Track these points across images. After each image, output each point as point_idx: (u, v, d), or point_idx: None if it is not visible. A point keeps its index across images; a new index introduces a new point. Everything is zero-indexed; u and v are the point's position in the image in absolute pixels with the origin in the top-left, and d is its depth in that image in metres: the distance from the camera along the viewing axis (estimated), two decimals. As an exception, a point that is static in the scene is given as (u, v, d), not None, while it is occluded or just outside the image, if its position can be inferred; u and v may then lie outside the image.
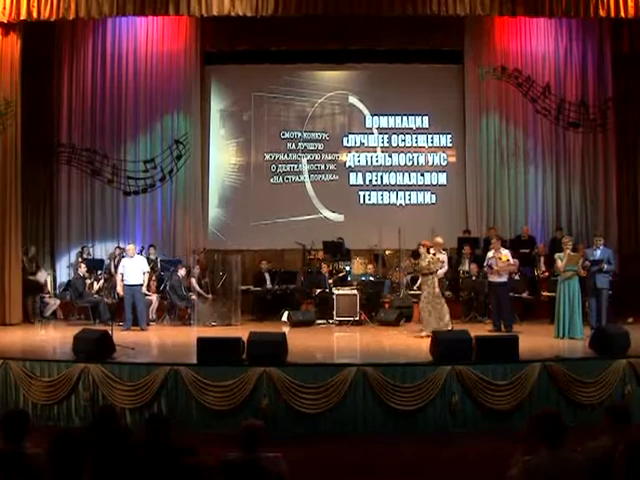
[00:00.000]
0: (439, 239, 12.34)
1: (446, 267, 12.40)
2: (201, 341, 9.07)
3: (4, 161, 13.75)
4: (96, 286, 14.29)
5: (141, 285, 12.99)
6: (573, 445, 4.15)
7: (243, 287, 14.47)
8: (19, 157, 13.98)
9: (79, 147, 15.85)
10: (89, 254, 15.31)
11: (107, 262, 15.03)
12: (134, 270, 12.86)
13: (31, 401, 9.02)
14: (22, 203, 14.21)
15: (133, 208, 16.05)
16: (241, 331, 10.14)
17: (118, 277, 12.87)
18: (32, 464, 4.22)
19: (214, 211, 16.74)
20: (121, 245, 15.50)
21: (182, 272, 14.02)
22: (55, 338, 11.96)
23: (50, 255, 15.98)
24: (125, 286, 12.79)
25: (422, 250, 12.17)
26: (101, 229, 16.00)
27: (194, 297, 13.76)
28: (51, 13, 12.67)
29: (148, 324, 13.11)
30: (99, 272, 14.61)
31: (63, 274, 15.70)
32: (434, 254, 11.93)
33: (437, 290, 11.78)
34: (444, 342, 9.06)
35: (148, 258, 14.47)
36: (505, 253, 11.92)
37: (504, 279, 11.86)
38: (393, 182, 16.51)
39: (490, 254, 12.03)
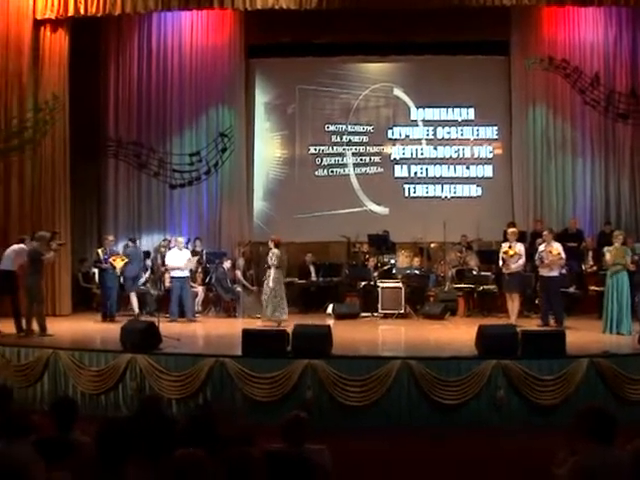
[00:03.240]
0: (513, 229, 12.19)
1: (523, 260, 11.94)
2: (246, 333, 9.12)
3: (53, 155, 14.04)
4: (143, 278, 14.45)
5: (188, 277, 13.14)
6: (622, 443, 4.03)
7: (288, 280, 14.48)
8: (67, 151, 14.25)
9: (126, 141, 16.04)
10: (136, 245, 15.47)
11: (154, 254, 15.19)
12: (179, 262, 12.99)
13: (80, 390, 9.19)
14: (71, 196, 14.49)
15: (179, 201, 16.19)
16: (285, 323, 10.15)
17: (170, 265, 13.08)
18: (80, 452, 4.29)
19: (259, 204, 16.80)
20: (167, 237, 15.65)
21: (227, 264, 14.12)
22: (102, 329, 12.14)
23: (97, 247, 16.22)
24: (172, 278, 12.93)
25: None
26: (147, 222, 16.17)
27: (239, 289, 13.85)
28: (98, 9, 12.88)
29: (194, 316, 13.23)
30: (145, 264, 14.77)
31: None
32: (510, 246, 11.74)
33: None
34: (490, 336, 8.97)
35: (194, 250, 14.56)
36: (556, 246, 11.70)
37: (555, 273, 11.65)
38: (438, 175, 16.37)
39: (541, 247, 11.85)
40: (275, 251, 12.46)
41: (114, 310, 13.08)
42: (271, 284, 12.17)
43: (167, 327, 10.77)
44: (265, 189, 16.84)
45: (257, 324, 11.86)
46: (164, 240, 15.31)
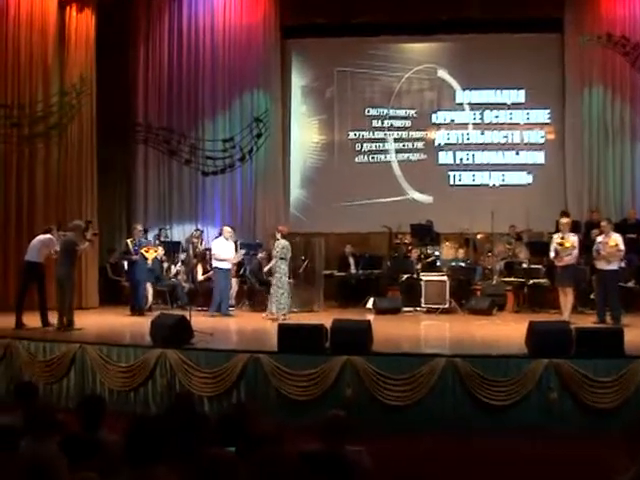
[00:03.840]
0: (566, 219, 12.01)
1: (576, 251, 11.63)
2: (282, 328, 9.10)
3: (80, 140, 14.16)
4: (173, 270, 14.56)
5: (231, 270, 13.30)
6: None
7: (326, 272, 14.52)
8: (94, 136, 14.37)
9: (155, 126, 16.14)
10: (166, 236, 15.56)
11: (185, 245, 15.27)
12: (229, 253, 13.04)
13: (107, 387, 9.26)
14: (98, 185, 14.64)
15: (212, 189, 16.26)
16: (324, 318, 10.15)
17: (220, 257, 13.05)
18: (107, 451, 4.29)
19: (295, 192, 16.82)
20: (199, 227, 15.74)
21: (262, 256, 14.15)
22: (131, 322, 12.24)
23: (126, 238, 16.36)
24: (219, 270, 12.95)
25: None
26: (179, 211, 16.28)
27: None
28: (125, -13, 12.97)
29: (228, 310, 13.27)
30: (177, 255, 14.86)
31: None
32: (562, 237, 11.54)
33: None
34: (541, 333, 8.82)
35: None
36: (615, 238, 11.43)
37: (614, 266, 11.40)
38: (486, 161, 16.21)
39: (599, 238, 11.62)
40: (281, 242, 12.56)
41: (143, 303, 13.18)
42: (275, 277, 12.42)
43: (199, 321, 10.81)
44: (302, 177, 16.84)
45: (274, 319, 11.87)
46: (196, 230, 15.42)
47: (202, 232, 15.48)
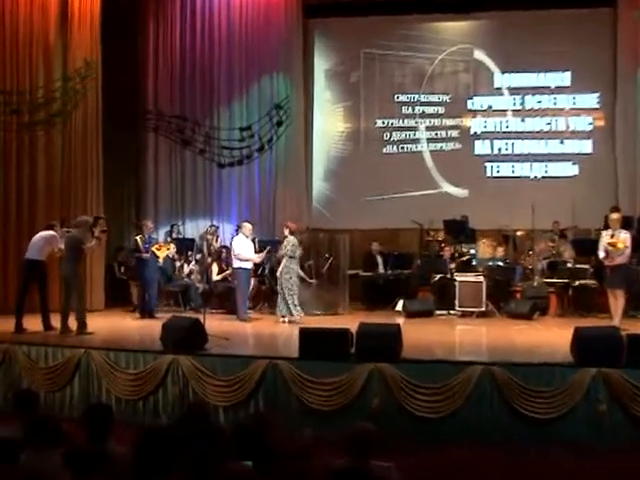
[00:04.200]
0: (616, 215, 11.86)
1: (629, 250, 11.35)
2: (304, 332, 9.08)
3: (85, 129, 14.18)
4: (186, 269, 14.60)
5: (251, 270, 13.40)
6: None
7: (351, 272, 14.50)
8: (100, 125, 14.40)
9: (167, 114, 16.21)
10: (179, 233, 15.63)
11: (199, 242, 15.31)
12: (251, 252, 13.05)
13: (115, 395, 9.28)
14: (105, 177, 14.66)
15: (228, 182, 16.30)
16: (349, 321, 10.13)
17: (243, 256, 12.99)
18: (115, 464, 4.30)
19: (319, 185, 16.83)
20: (214, 223, 15.77)
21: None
22: (140, 326, 12.28)
23: (135, 235, 16.42)
24: (241, 270, 12.95)
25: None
26: (192, 205, 16.36)
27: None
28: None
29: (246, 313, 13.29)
30: (190, 253, 14.89)
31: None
32: (612, 235, 11.39)
33: None
34: (588, 340, 8.71)
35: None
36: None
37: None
38: (527, 151, 16.12)
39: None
40: (290, 239, 12.62)
41: (154, 305, 13.23)
42: (284, 277, 12.47)
43: (214, 325, 10.82)
44: (325, 168, 16.84)
45: (297, 322, 11.87)
46: (210, 226, 15.46)
47: (217, 228, 15.51)
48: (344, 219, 16.12)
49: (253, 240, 13.71)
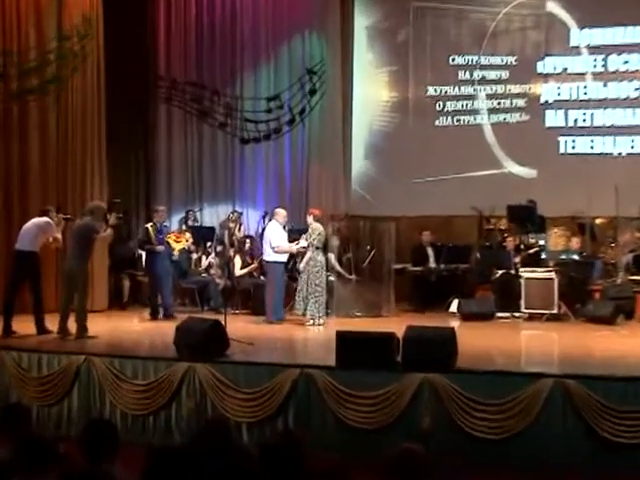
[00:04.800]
0: None
1: None
2: (341, 337, 9.06)
3: (84, 99, 14.16)
4: (205, 262, 14.65)
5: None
6: None
7: (398, 266, 14.49)
8: (103, 93, 14.41)
9: (181, 81, 16.27)
10: (195, 220, 15.68)
11: (219, 231, 15.35)
12: (286, 242, 13.07)
13: (120, 410, 9.32)
14: (109, 155, 14.72)
15: (253, 160, 16.37)
16: (395, 325, 10.10)
17: (283, 249, 13.00)
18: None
19: (359, 164, 16.81)
20: (237, 209, 15.80)
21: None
22: (151, 329, 12.36)
23: (145, 222, 16.51)
24: (276, 265, 12.96)
25: None
26: (211, 188, 16.47)
27: (332, 278, 13.85)
28: None
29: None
30: (209, 244, 14.93)
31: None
32: None
33: None
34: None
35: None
36: None
37: None
38: (609, 123, 15.98)
39: None
40: (316, 226, 12.64)
41: (170, 304, 13.27)
42: (311, 271, 12.53)
43: (237, 328, 10.84)
44: (367, 145, 16.81)
45: (339, 324, 11.88)
46: (233, 213, 15.50)
47: (240, 215, 15.55)
48: (389, 204, 16.08)
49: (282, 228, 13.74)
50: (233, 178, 16.38)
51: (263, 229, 15.15)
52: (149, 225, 13.50)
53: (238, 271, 14.32)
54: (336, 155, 16.39)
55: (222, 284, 14.33)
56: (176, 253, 13.65)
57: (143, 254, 14.11)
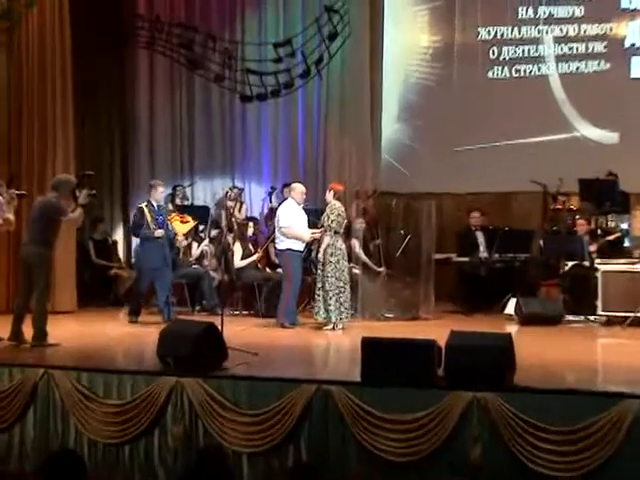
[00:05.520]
0: None
1: None
2: (368, 345, 9.00)
3: (43, 42, 14.11)
4: (196, 250, 14.60)
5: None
6: None
7: (439, 256, 14.49)
8: (68, 36, 14.35)
9: (167, 21, 16.33)
10: (185, 199, 15.67)
11: (215, 212, 15.34)
12: (304, 226, 13.05)
13: (88, 438, 9.30)
14: (75, 115, 14.71)
15: (256, 122, 16.43)
16: (436, 330, 10.09)
17: (293, 231, 12.91)
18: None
19: (391, 128, 16.78)
20: (237, 184, 15.78)
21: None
22: (128, 334, 12.37)
23: (121, 202, 16.52)
24: (291, 253, 12.90)
25: None
26: (205, 157, 16.59)
27: (357, 271, 13.81)
28: None
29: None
30: (201, 228, 14.92)
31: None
32: None
33: None
34: None
35: (272, 208, 14.69)
36: None
37: None
38: None
39: None
40: (336, 206, 12.63)
41: (165, 303, 13.20)
42: (327, 261, 12.53)
43: (237, 334, 10.84)
44: (402, 103, 16.77)
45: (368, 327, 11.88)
46: (232, 189, 15.45)
47: (241, 192, 15.54)
48: (429, 178, 16.05)
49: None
50: (232, 145, 16.43)
51: (270, 209, 15.21)
52: (144, 204, 13.38)
53: (238, 262, 14.29)
54: (362, 116, 16.33)
55: (218, 278, 14.35)
56: (181, 238, 13.61)
57: (136, 241, 14.21)
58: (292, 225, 12.89)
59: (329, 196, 12.80)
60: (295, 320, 12.92)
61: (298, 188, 13.17)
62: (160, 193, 13.54)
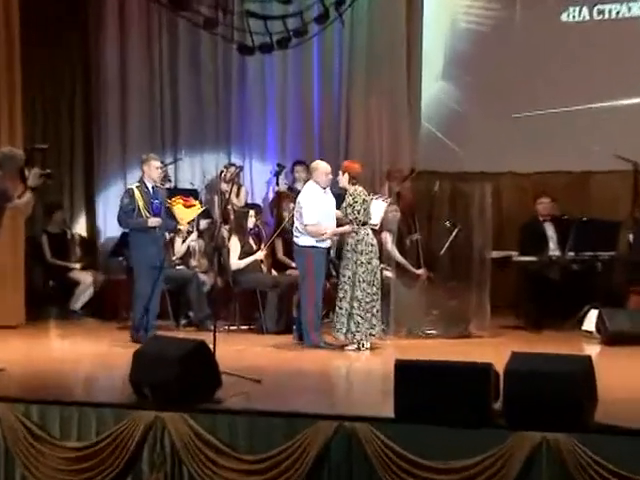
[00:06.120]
0: None
1: None
2: (404, 370, 8.98)
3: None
4: (181, 247, 14.58)
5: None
6: None
7: (496, 254, 14.47)
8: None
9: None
10: (167, 179, 15.63)
11: (205, 197, 15.38)
12: (332, 216, 13.05)
13: (41, 491, 9.34)
14: (23, 67, 14.71)
15: (259, 81, 16.53)
16: (492, 351, 10.06)
17: (321, 230, 12.86)
18: None
19: (433, 89, 16.83)
20: (235, 161, 15.79)
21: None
22: (93, 356, 12.38)
23: (84, 185, 16.56)
24: (313, 251, 12.87)
25: None
26: (192, 127, 16.64)
27: (389, 273, 13.77)
28: None
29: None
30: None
31: (111, 223, 16.19)
32: None
33: None
34: None
35: (291, 188, 14.65)
36: None
37: None
38: None
39: None
40: (356, 190, 12.65)
41: (151, 320, 13.17)
42: (349, 261, 12.55)
43: (234, 354, 10.84)
44: (447, 55, 16.79)
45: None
46: (227, 167, 15.50)
47: (240, 170, 15.51)
48: (483, 153, 16.10)
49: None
50: (228, 110, 16.45)
51: (277, 194, 15.21)
52: (134, 185, 13.42)
53: (236, 262, 14.28)
54: (395, 73, 16.34)
55: (209, 283, 14.35)
56: (183, 227, 13.55)
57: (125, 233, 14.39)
58: (320, 221, 12.88)
59: (343, 180, 12.80)
60: (318, 340, 12.82)
61: (321, 168, 13.11)
62: (155, 170, 13.44)
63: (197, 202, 13.65)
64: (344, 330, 12.49)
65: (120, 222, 13.93)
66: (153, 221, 13.11)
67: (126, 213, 13.41)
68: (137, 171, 15.47)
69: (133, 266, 13.61)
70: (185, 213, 13.28)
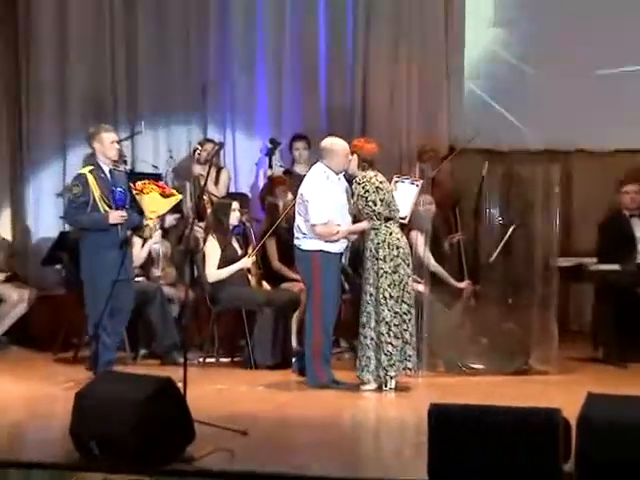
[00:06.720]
0: None
1: None
2: (441, 417, 8.98)
3: None
4: (140, 250, 14.56)
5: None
6: None
7: (566, 262, 14.44)
8: None
9: None
10: (123, 160, 15.61)
11: (169, 179, 15.42)
12: (346, 212, 12.99)
13: None
14: None
15: (245, 23, 16.58)
16: (558, 391, 10.06)
17: (332, 231, 12.83)
18: None
19: (483, 39, 16.80)
20: (212, 135, 15.85)
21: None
22: (22, 399, 12.44)
23: (9, 173, 16.59)
24: (322, 255, 12.86)
25: None
26: (155, 90, 16.73)
27: (420, 287, 13.76)
28: None
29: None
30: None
31: (46, 219, 16.44)
32: None
33: None
34: None
35: (289, 171, 14.69)
36: None
37: None
38: None
39: None
40: (366, 177, 12.57)
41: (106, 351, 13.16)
42: (370, 278, 12.47)
43: (213, 396, 10.85)
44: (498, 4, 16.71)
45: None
46: (202, 144, 15.56)
47: (220, 149, 15.51)
48: (549, 126, 16.00)
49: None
50: (203, 68, 16.43)
51: (269, 179, 15.23)
52: (86, 170, 13.26)
53: (214, 271, 14.28)
54: (431, 19, 16.32)
55: (178, 300, 14.32)
56: (151, 222, 13.41)
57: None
58: (332, 219, 12.83)
59: (351, 164, 12.71)
60: (326, 378, 12.78)
61: (339, 148, 12.88)
62: (111, 146, 13.18)
63: (174, 191, 13.46)
64: (372, 367, 12.35)
65: (68, 219, 13.95)
66: (115, 216, 12.93)
67: (77, 207, 13.18)
68: (81, 149, 15.61)
69: (84, 279, 13.34)
70: (159, 204, 13.04)
